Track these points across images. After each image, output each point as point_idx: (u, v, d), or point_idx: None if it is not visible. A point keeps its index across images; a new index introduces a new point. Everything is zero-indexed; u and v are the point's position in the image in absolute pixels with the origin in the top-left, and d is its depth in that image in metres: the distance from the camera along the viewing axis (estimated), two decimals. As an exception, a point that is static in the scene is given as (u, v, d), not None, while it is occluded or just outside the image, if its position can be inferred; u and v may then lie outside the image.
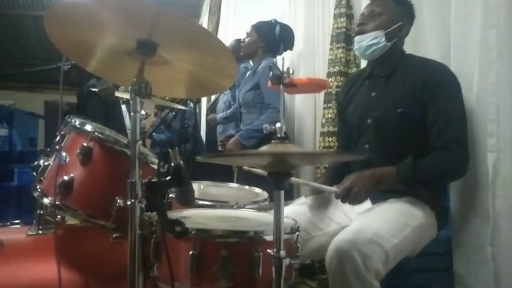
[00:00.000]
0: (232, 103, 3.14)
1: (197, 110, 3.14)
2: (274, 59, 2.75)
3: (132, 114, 0.99)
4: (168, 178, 1.04)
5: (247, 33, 2.85)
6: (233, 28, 4.22)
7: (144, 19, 0.97)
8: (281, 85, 1.01)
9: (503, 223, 1.37)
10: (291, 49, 2.83)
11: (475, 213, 1.47)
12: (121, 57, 1.10)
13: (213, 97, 3.76)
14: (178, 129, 3.18)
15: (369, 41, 1.58)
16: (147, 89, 0.99)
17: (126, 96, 2.07)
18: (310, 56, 2.77)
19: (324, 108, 2.42)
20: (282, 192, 1.01)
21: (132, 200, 0.98)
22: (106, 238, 1.33)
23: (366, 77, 1.68)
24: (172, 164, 1.06)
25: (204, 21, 5.71)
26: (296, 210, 1.58)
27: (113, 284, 1.26)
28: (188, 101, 2.83)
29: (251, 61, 2.94)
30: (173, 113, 3.25)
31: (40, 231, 1.36)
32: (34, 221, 1.38)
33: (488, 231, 1.40)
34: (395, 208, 1.42)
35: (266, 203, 1.74)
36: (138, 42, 1.01)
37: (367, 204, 1.52)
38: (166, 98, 2.19)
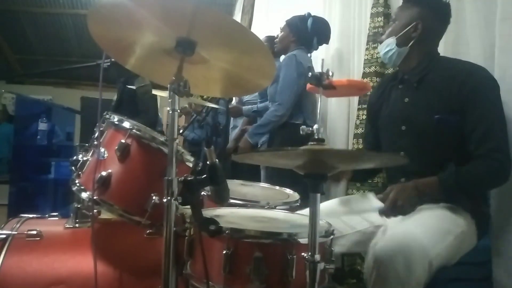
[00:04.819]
0: (259, 100, 3.11)
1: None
2: (309, 54, 2.72)
3: (170, 112, 0.99)
4: (204, 176, 1.04)
5: (280, 29, 2.83)
6: (266, 27, 4.21)
7: (183, 17, 0.97)
8: (320, 87, 0.99)
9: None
10: (327, 43, 2.75)
11: (517, 222, 1.41)
12: (160, 55, 1.10)
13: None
14: (210, 128, 3.21)
15: (383, 49, 1.61)
16: (186, 87, 0.99)
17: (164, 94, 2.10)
18: (345, 55, 2.72)
19: (358, 109, 2.38)
20: (319, 195, 1.00)
21: (168, 198, 0.98)
22: (140, 234, 1.36)
23: (399, 81, 1.63)
24: (208, 163, 1.07)
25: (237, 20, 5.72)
26: (326, 207, 1.56)
27: (146, 279, 1.27)
28: (220, 100, 2.84)
29: (281, 58, 2.91)
30: (205, 112, 3.27)
31: (77, 224, 1.39)
32: (71, 214, 1.42)
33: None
34: (437, 214, 1.37)
35: (297, 204, 1.72)
36: (177, 41, 1.01)
37: None
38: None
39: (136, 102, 2.70)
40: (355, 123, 2.39)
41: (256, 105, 3.10)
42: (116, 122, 1.28)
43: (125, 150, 1.22)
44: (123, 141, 1.22)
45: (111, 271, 1.26)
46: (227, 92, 1.29)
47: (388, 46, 1.59)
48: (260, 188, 2.08)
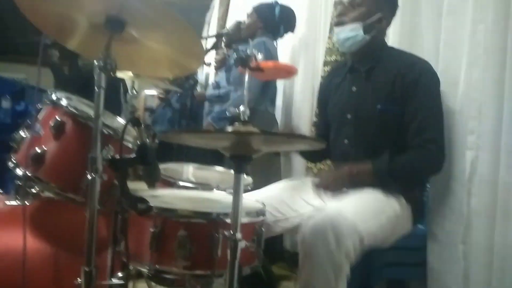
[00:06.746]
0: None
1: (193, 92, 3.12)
2: (275, 41, 2.74)
3: (96, 90, 1.00)
4: (132, 156, 1.05)
5: (247, 15, 2.84)
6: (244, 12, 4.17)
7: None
8: (247, 69, 1.00)
9: (476, 222, 1.35)
10: (292, 31, 2.79)
11: (451, 210, 1.46)
12: (94, 33, 1.10)
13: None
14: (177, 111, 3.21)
15: (347, 33, 1.53)
16: (112, 65, 0.99)
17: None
18: (311, 43, 2.74)
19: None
20: (243, 176, 1.02)
21: (93, 175, 0.99)
22: (80, 212, 1.36)
23: (348, 70, 1.64)
24: (138, 142, 1.08)
25: (216, 4, 5.68)
26: (270, 190, 1.59)
27: (83, 256, 1.28)
28: (185, 84, 2.83)
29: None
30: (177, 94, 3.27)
31: (17, 201, 1.38)
32: (12, 191, 1.41)
33: (462, 229, 1.39)
34: (371, 196, 1.42)
35: (249, 188, 1.74)
36: (107, 18, 1.01)
37: None
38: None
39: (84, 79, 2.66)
40: (315, 111, 2.42)
41: (218, 91, 3.10)
42: (54, 99, 1.27)
43: (60, 127, 1.21)
44: (58, 118, 1.22)
45: (47, 248, 1.26)
46: (163, 72, 1.29)
47: (353, 30, 1.52)
48: (216, 172, 2.10)
